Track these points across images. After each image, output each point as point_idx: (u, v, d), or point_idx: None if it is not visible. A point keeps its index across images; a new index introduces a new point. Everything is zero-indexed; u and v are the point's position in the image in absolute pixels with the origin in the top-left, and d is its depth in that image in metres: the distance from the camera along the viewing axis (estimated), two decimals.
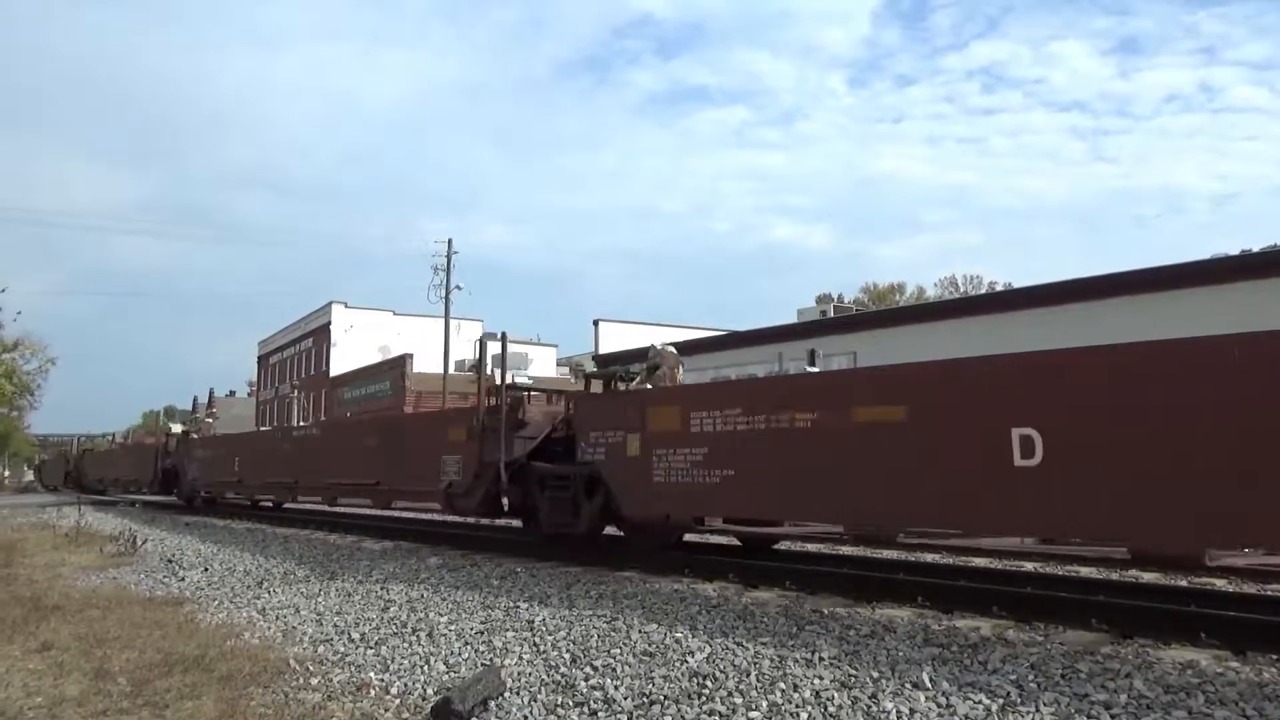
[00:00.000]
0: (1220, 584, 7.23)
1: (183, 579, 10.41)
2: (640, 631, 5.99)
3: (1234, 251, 20.13)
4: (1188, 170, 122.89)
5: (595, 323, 43.58)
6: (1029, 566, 8.31)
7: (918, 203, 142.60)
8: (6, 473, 78.99)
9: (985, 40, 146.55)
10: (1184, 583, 7.24)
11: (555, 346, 62.08)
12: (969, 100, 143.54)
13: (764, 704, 4.49)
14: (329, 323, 57.58)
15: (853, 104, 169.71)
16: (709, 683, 4.85)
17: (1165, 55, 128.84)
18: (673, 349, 9.91)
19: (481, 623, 6.77)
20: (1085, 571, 8.26)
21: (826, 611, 6.32)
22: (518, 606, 7.18)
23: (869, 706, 4.32)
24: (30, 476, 76.05)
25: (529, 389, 11.73)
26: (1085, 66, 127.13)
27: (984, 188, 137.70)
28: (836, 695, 4.48)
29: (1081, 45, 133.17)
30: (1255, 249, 21.45)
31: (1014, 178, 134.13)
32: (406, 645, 6.38)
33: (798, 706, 4.41)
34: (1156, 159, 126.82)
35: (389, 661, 6.01)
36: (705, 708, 4.53)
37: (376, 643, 6.53)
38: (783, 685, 4.69)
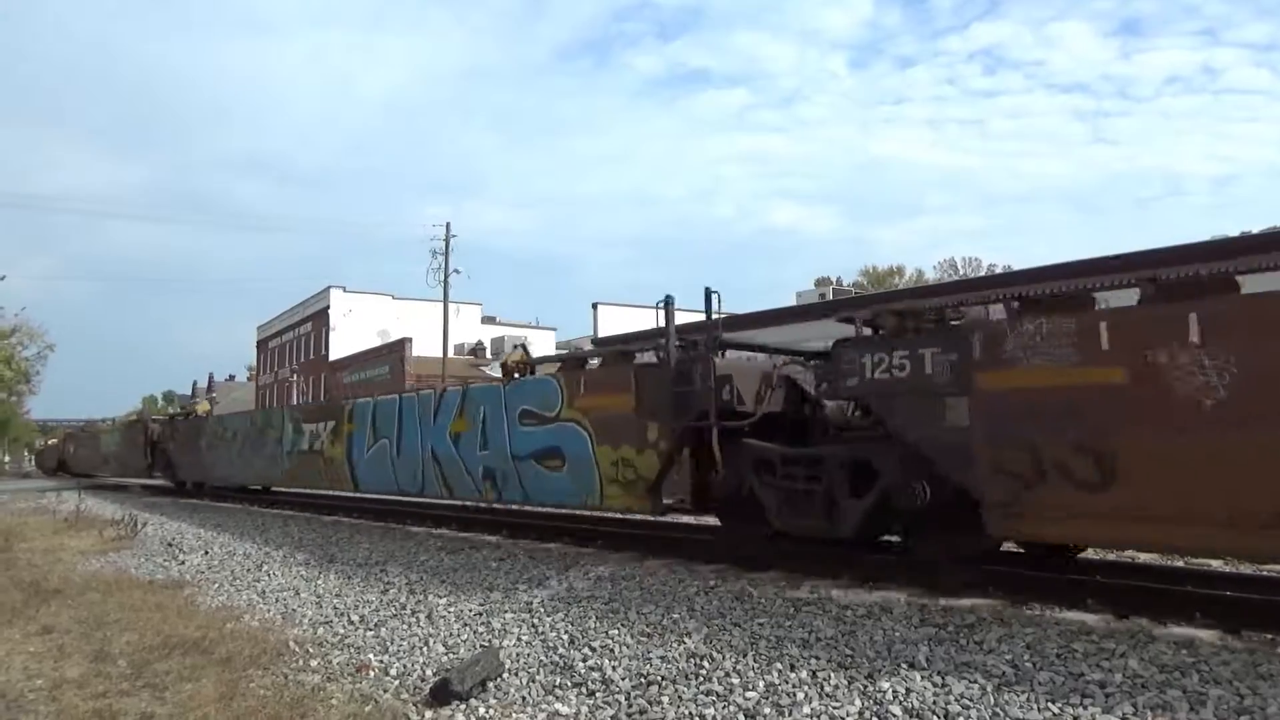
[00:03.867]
0: (1216, 564, 7.25)
1: (183, 562, 10.43)
2: (638, 613, 6.01)
3: (1234, 233, 20.08)
4: (1188, 152, 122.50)
5: (594, 306, 43.58)
6: None
7: (918, 186, 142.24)
8: (7, 458, 79.05)
9: (986, 21, 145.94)
10: (1180, 563, 7.26)
11: (554, 330, 62.09)
12: (970, 82, 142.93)
13: (761, 684, 4.51)
14: (327, 307, 57.47)
15: (853, 86, 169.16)
16: (706, 663, 4.87)
17: (1167, 37, 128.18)
18: None
19: (480, 604, 6.79)
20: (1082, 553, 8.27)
21: (824, 592, 6.34)
22: (516, 588, 7.20)
23: (865, 686, 4.34)
24: (31, 462, 76.14)
25: None
26: (1086, 48, 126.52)
27: (984, 170, 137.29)
28: (833, 675, 4.50)
29: (1083, 26, 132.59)
30: (1255, 230, 21.40)
31: (1015, 160, 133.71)
32: (406, 627, 6.40)
33: (794, 687, 4.43)
34: (1157, 141, 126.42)
35: (388, 643, 6.04)
36: (703, 688, 4.55)
37: (376, 624, 6.55)
38: (779, 666, 4.71)
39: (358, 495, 17.37)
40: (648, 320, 36.60)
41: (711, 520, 8.92)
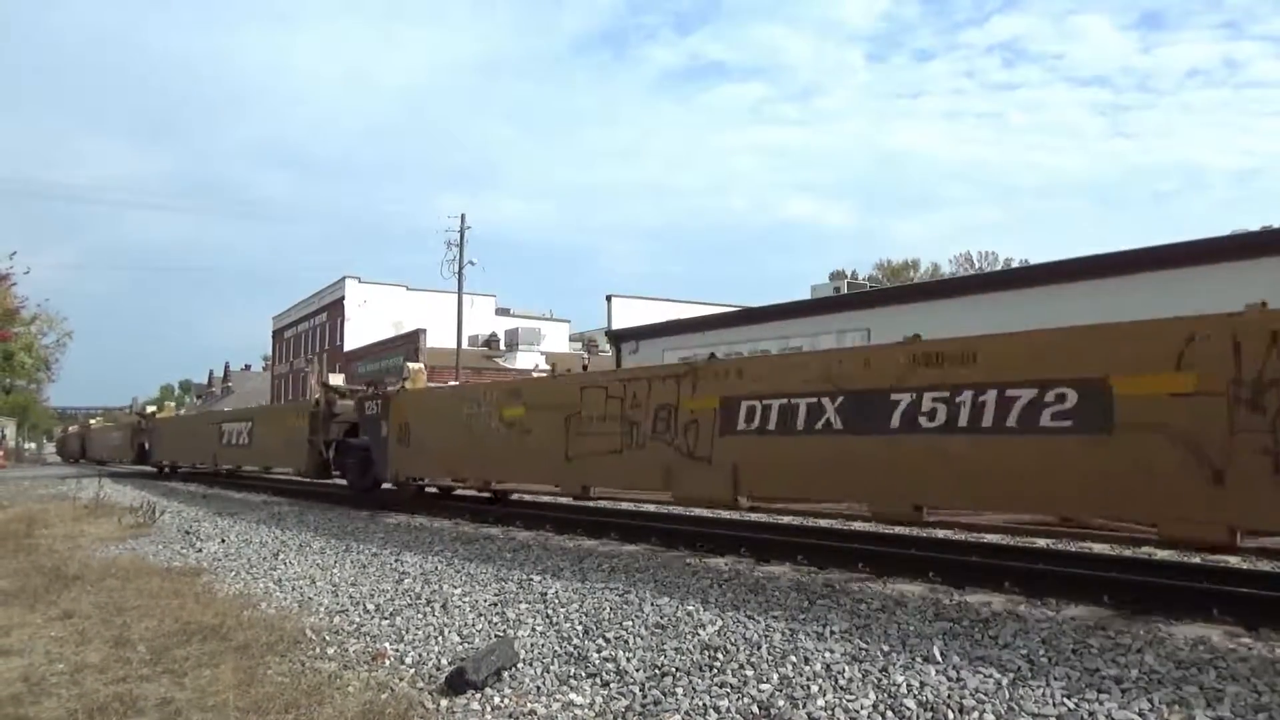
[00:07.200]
0: (1234, 561, 7.20)
1: (200, 550, 10.53)
2: (652, 604, 6.03)
3: (1255, 228, 19.82)
4: (1209, 146, 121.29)
5: (608, 298, 43.49)
6: (1041, 543, 8.29)
7: (936, 179, 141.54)
8: (31, 445, 79.73)
9: (1006, 14, 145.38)
10: (1197, 559, 7.22)
11: (568, 322, 62.14)
12: (989, 75, 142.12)
13: (775, 676, 4.52)
14: (343, 298, 57.76)
15: (871, 79, 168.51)
16: (720, 655, 4.88)
17: (1188, 30, 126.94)
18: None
19: (495, 595, 6.83)
20: (1098, 548, 8.24)
21: (838, 586, 6.34)
22: (531, 579, 7.23)
23: (880, 680, 4.34)
24: (52, 449, 76.69)
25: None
26: (1107, 41, 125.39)
27: (1002, 164, 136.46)
28: (848, 669, 4.51)
29: (1103, 19, 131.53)
30: (1277, 225, 21.14)
31: (1033, 154, 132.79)
32: (421, 616, 6.44)
33: (809, 679, 4.44)
34: (1177, 135, 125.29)
35: (404, 632, 6.08)
36: (717, 680, 4.57)
37: (391, 614, 6.60)
38: (794, 658, 4.72)
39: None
40: (662, 312, 36.53)
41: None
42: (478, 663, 4.93)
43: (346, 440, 14.86)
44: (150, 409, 32.78)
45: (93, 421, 49.73)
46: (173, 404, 39.42)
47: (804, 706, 4.16)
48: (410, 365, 14.15)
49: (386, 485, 13.87)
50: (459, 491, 13.68)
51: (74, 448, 50.86)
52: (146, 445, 29.20)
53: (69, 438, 56.72)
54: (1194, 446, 4.79)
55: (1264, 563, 7.00)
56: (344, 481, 15.55)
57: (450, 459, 11.73)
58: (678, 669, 4.77)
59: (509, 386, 11.34)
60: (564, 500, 12.45)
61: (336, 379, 17.03)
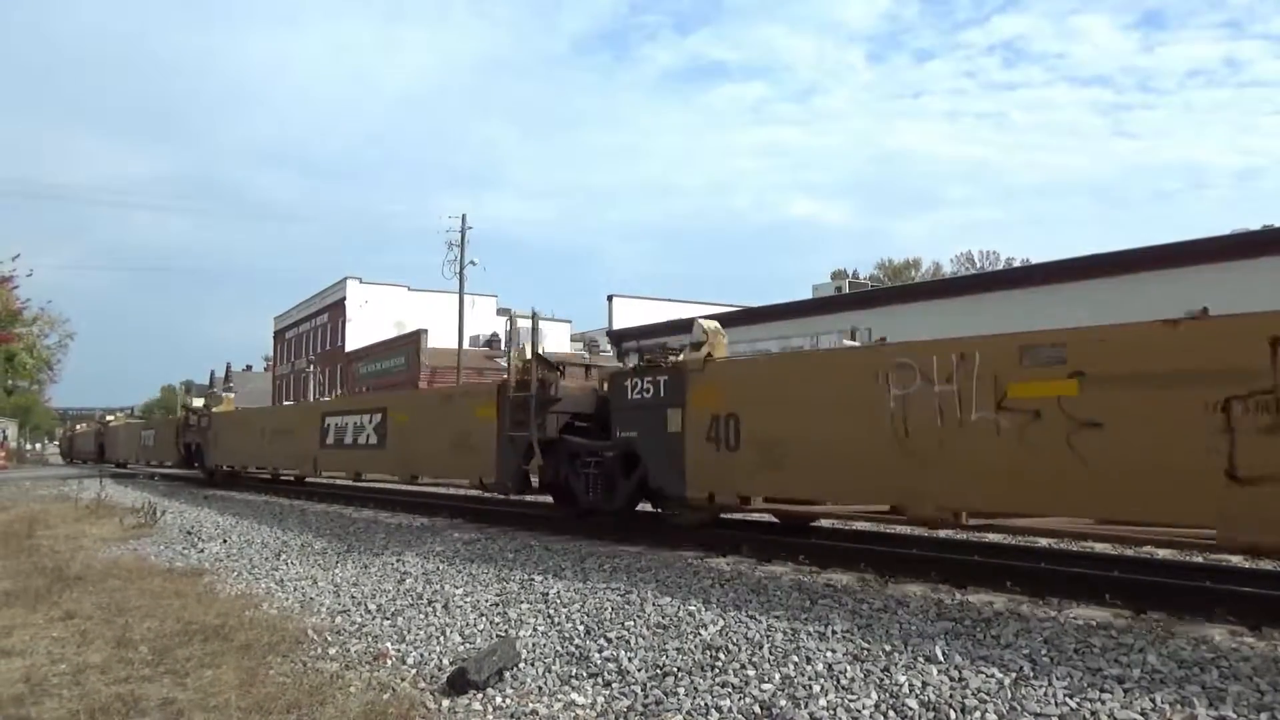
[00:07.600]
0: (1236, 560, 7.19)
1: (202, 550, 10.53)
2: (654, 604, 6.02)
3: (1257, 227, 19.81)
4: (1211, 145, 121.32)
5: (609, 298, 43.53)
6: (1043, 543, 8.29)
7: (937, 178, 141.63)
8: (36, 446, 79.61)
9: (1006, 14, 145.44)
10: (1199, 559, 7.21)
11: (569, 322, 62.13)
12: (990, 75, 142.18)
13: (777, 676, 4.52)
14: (344, 298, 57.85)
15: (872, 79, 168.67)
16: (722, 655, 4.88)
17: (1190, 29, 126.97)
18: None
19: (497, 595, 6.83)
20: (1100, 548, 8.24)
21: (840, 586, 6.33)
22: (532, 579, 7.23)
23: (881, 679, 4.33)
24: (54, 450, 76.42)
25: None
26: (1108, 41, 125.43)
27: (1004, 163, 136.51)
28: (849, 668, 4.50)
29: (1104, 19, 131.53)
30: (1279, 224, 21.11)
31: (1034, 153, 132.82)
32: (423, 616, 6.45)
33: (810, 679, 4.43)
34: (1179, 134, 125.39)
35: (405, 632, 6.08)
36: (718, 679, 4.56)
37: (393, 614, 6.60)
38: (795, 658, 4.72)
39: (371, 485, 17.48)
40: (664, 312, 36.58)
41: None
42: (479, 663, 4.94)
43: (566, 439, 9.88)
44: (198, 402, 26.01)
45: (110, 418, 43.73)
46: (231, 395, 34.11)
47: (806, 706, 4.16)
48: (705, 324, 8.70)
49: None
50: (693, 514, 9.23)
51: (87, 448, 46.04)
52: (198, 446, 23.66)
53: (80, 437, 51.34)
54: None
55: (1265, 563, 6.98)
56: (548, 499, 11.19)
57: (837, 470, 7.00)
58: (679, 669, 4.76)
59: (1027, 343, 5.87)
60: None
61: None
